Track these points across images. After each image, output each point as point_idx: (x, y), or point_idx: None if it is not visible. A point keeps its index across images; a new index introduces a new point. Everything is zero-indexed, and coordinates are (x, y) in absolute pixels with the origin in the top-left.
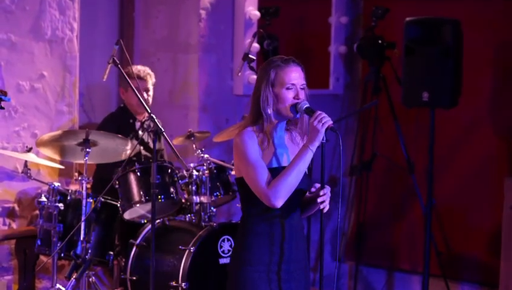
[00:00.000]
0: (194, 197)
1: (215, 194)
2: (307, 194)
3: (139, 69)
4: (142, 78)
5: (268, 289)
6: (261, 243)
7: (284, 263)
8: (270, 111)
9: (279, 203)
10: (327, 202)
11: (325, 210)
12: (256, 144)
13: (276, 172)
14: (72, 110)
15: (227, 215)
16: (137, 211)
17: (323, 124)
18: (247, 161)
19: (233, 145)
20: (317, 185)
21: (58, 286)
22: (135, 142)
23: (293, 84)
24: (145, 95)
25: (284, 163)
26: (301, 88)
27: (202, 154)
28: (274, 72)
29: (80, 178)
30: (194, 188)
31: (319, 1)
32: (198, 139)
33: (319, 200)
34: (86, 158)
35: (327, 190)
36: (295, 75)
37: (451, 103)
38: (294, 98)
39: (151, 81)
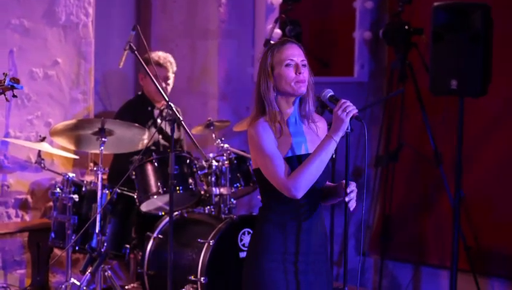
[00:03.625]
0: (214, 188)
1: (235, 185)
2: (329, 183)
3: (159, 55)
4: (161, 66)
5: (284, 279)
6: (278, 233)
7: (301, 254)
8: (272, 98)
9: (299, 194)
10: (354, 200)
11: (352, 208)
12: (271, 134)
13: (292, 161)
14: (87, 98)
15: (248, 208)
16: (155, 202)
17: (347, 113)
18: (263, 153)
19: (247, 137)
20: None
21: (72, 280)
22: (153, 131)
23: (291, 60)
24: (163, 83)
25: (301, 152)
26: (302, 64)
27: (222, 144)
28: (271, 55)
29: (95, 169)
30: (213, 179)
31: None
32: (217, 128)
33: (346, 199)
34: (102, 148)
35: (353, 186)
36: (293, 52)
37: (481, 91)
38: (296, 73)
39: (171, 69)
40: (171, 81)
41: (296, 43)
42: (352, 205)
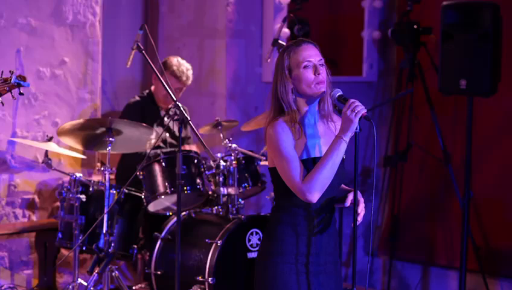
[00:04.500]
0: (221, 188)
1: (243, 185)
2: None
3: (187, 67)
4: (177, 77)
5: (296, 280)
6: (291, 234)
7: (312, 255)
8: (290, 100)
9: (315, 198)
10: (361, 215)
11: (359, 222)
12: (290, 135)
13: (307, 163)
14: (94, 98)
15: (256, 208)
16: (162, 203)
17: (356, 113)
18: (281, 155)
19: (266, 136)
20: (349, 199)
21: (79, 280)
22: (160, 130)
23: (309, 61)
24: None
25: (316, 154)
26: (320, 64)
27: (230, 144)
28: (288, 56)
29: (102, 168)
30: (221, 179)
31: None
32: (225, 128)
33: (358, 219)
34: (109, 148)
35: (361, 206)
36: (309, 53)
37: (490, 91)
38: (314, 74)
39: (186, 82)
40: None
41: (312, 42)
42: (359, 220)
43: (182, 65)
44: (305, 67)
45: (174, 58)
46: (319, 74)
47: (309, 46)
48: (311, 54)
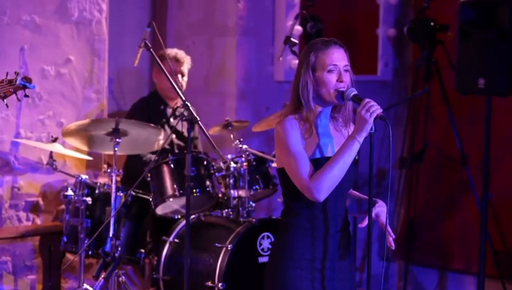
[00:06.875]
0: (232, 191)
1: (254, 187)
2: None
3: (175, 51)
4: (178, 60)
5: (311, 287)
6: (303, 238)
7: (327, 260)
8: (310, 97)
9: (321, 196)
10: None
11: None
12: (298, 133)
13: (319, 163)
14: (100, 97)
15: (267, 211)
16: (171, 205)
17: (371, 113)
18: (289, 151)
19: (274, 134)
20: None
21: (85, 286)
22: (168, 131)
23: (335, 66)
24: (180, 78)
25: (328, 153)
26: (344, 70)
27: (240, 145)
28: (314, 56)
29: (109, 170)
30: (231, 181)
31: None
32: (236, 128)
33: (390, 245)
34: (116, 149)
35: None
36: (337, 56)
37: (509, 90)
38: (337, 80)
39: (187, 65)
40: (186, 78)
41: (341, 45)
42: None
43: (176, 50)
44: (329, 71)
45: (167, 49)
46: (341, 82)
47: (338, 49)
48: (338, 58)
